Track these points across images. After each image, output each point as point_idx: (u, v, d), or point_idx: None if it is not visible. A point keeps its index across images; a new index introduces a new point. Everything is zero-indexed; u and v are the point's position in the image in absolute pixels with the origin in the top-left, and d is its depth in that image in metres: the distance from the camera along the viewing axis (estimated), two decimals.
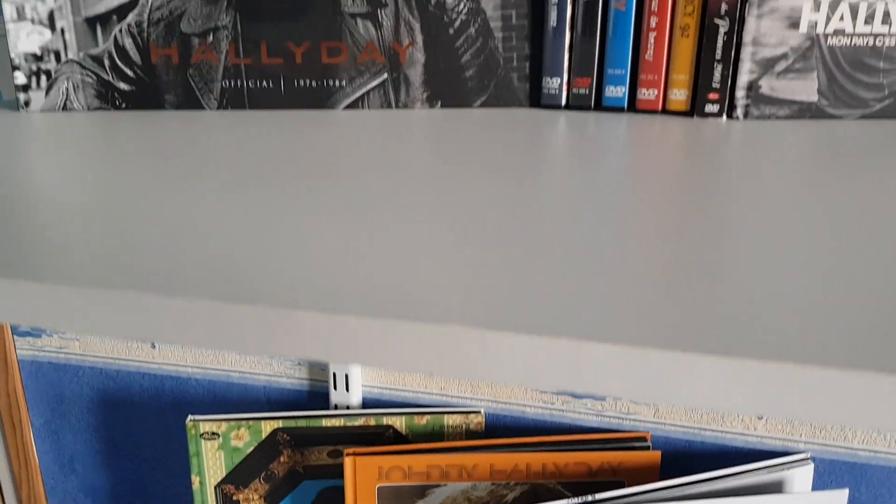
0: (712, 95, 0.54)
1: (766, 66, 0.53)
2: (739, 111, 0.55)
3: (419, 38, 0.57)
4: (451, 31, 0.57)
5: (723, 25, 0.53)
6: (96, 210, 0.34)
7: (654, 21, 0.54)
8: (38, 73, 0.56)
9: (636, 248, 0.29)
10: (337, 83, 0.58)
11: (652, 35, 0.55)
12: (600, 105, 0.57)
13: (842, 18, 0.52)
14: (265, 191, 0.37)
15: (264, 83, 0.57)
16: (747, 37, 0.53)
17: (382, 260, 0.27)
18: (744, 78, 0.54)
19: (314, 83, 0.58)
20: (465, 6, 0.56)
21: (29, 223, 0.32)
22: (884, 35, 0.52)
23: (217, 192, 0.37)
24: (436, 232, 0.30)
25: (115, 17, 0.55)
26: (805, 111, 0.54)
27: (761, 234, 0.30)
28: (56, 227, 0.31)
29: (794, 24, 0.52)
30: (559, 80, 0.57)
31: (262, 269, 0.26)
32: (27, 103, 0.56)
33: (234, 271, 0.26)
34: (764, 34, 0.53)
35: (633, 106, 0.57)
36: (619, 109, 0.57)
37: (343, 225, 0.31)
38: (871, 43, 0.53)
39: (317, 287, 0.25)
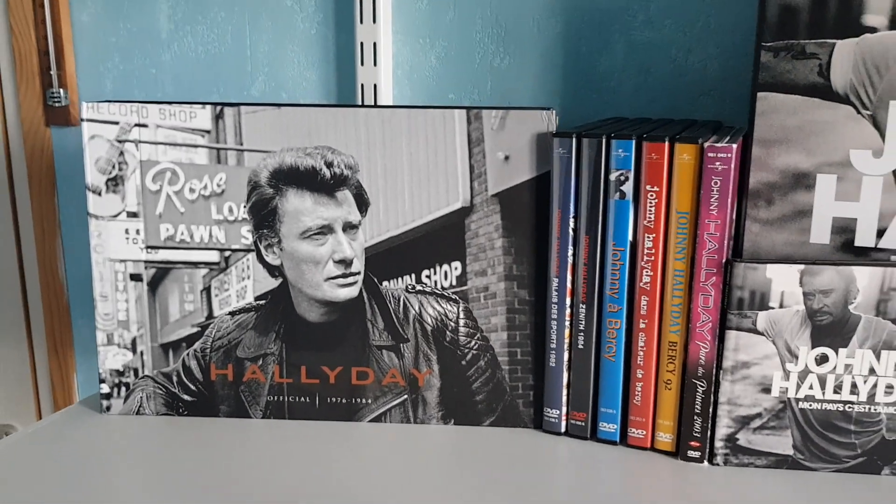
0: (694, 443, 0.60)
1: (742, 422, 0.59)
2: (720, 459, 0.59)
3: (435, 367, 0.65)
4: (464, 362, 0.65)
5: (700, 385, 0.59)
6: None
7: (640, 373, 0.61)
8: (119, 385, 0.67)
9: None
10: (364, 401, 0.66)
11: (639, 384, 0.61)
12: (596, 436, 0.63)
13: (811, 387, 0.57)
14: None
15: (302, 399, 0.67)
16: (723, 397, 0.58)
17: None
18: (722, 431, 0.59)
19: (344, 400, 0.66)
20: (475, 343, 0.65)
21: None
22: (853, 402, 0.57)
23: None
24: None
25: (184, 344, 0.67)
26: (782, 462, 0.59)
27: None
28: None
29: (766, 390, 0.58)
30: (558, 412, 0.64)
31: None
32: (108, 408, 0.68)
33: None
34: (738, 396, 0.58)
35: (625, 440, 0.63)
36: (613, 443, 0.63)
37: None
38: (840, 408, 0.57)
39: None
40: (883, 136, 0.57)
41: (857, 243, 0.59)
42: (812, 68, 0.57)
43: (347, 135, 0.62)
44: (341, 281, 0.64)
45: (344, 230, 0.63)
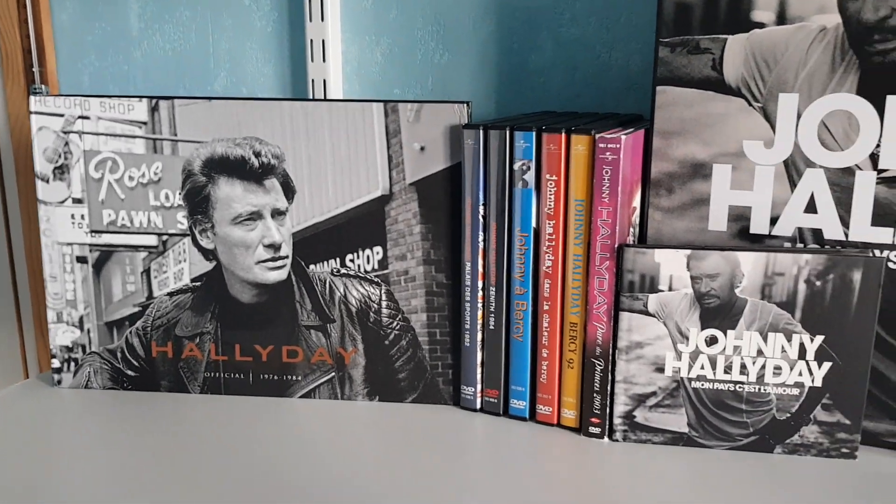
0: (594, 420, 0.63)
1: (639, 400, 0.61)
2: (619, 435, 0.62)
3: (360, 346, 0.69)
4: (387, 342, 0.69)
5: (598, 364, 0.62)
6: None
7: (545, 352, 0.64)
8: (68, 361, 0.72)
9: None
10: (294, 378, 0.70)
11: (544, 363, 0.64)
12: (507, 413, 0.67)
13: (702, 367, 0.60)
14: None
15: (237, 375, 0.71)
16: (619, 376, 0.61)
17: None
18: (619, 408, 0.62)
19: (276, 377, 0.70)
20: (397, 324, 0.68)
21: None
22: (743, 382, 0.60)
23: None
24: None
25: (127, 323, 0.71)
26: (678, 439, 0.61)
27: None
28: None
29: (660, 369, 0.61)
30: (474, 389, 0.67)
31: None
32: (59, 382, 0.72)
33: None
34: (633, 375, 0.61)
35: (534, 416, 0.66)
36: (523, 419, 0.66)
37: None
38: (731, 388, 0.60)
39: None
40: (773, 127, 0.59)
41: (753, 230, 0.61)
42: (706, 63, 0.60)
43: (274, 126, 0.66)
44: (271, 264, 0.68)
45: (272, 216, 0.67)
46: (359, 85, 0.86)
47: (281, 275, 0.68)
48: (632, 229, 0.64)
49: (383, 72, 0.85)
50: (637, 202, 0.64)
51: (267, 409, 0.69)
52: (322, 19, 0.84)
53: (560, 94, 0.78)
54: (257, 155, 0.66)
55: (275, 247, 0.68)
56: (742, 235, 0.62)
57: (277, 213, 0.67)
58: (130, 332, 0.71)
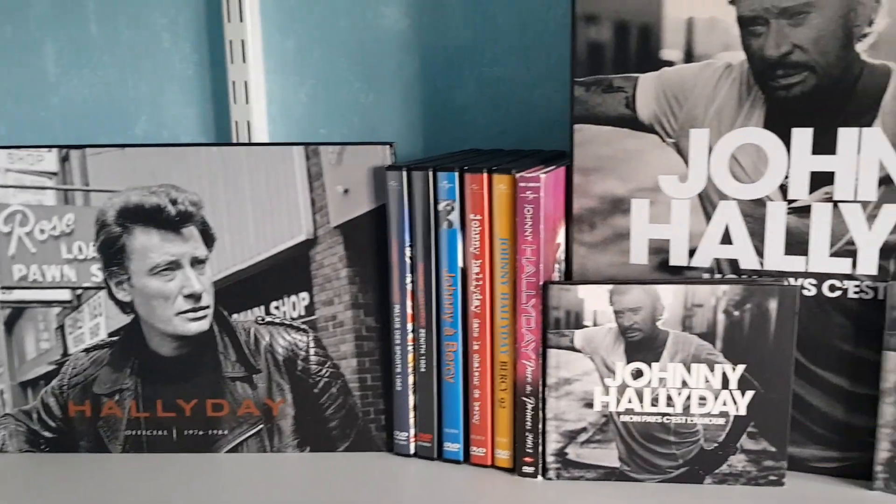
0: (527, 459, 0.62)
1: (570, 436, 0.61)
2: (552, 473, 0.62)
3: (289, 396, 0.67)
4: (316, 390, 0.67)
5: (529, 402, 0.61)
6: None
7: (476, 393, 0.63)
8: None
9: None
10: (220, 432, 0.68)
11: (476, 404, 0.64)
12: (441, 456, 0.66)
13: (630, 401, 0.60)
14: None
15: (159, 432, 0.68)
16: (550, 413, 0.61)
17: None
18: (551, 446, 0.62)
19: (201, 432, 0.68)
20: (326, 371, 0.67)
21: None
22: (670, 414, 0.60)
23: None
24: None
25: (42, 382, 0.68)
26: (610, 474, 0.61)
27: None
28: None
29: (589, 404, 0.61)
30: (407, 434, 0.66)
31: None
32: None
33: None
34: (563, 411, 0.61)
35: (469, 459, 0.65)
36: (457, 462, 0.65)
37: None
38: (659, 420, 0.60)
39: None
40: (686, 161, 0.61)
41: (672, 262, 0.62)
42: (620, 101, 0.61)
43: (190, 173, 0.64)
44: (191, 315, 0.66)
45: (192, 265, 0.66)
46: (284, 126, 0.85)
47: (202, 325, 0.67)
48: (557, 266, 0.64)
49: (308, 112, 0.84)
50: (561, 238, 0.65)
51: (193, 466, 0.66)
52: (244, 60, 0.83)
53: (485, 131, 0.78)
54: (174, 202, 0.65)
55: (195, 297, 0.66)
56: (662, 268, 0.63)
57: (197, 262, 0.66)
58: (46, 392, 0.68)
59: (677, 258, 0.62)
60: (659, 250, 0.63)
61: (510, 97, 0.77)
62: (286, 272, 0.66)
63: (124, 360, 0.67)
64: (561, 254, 0.65)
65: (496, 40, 0.76)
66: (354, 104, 0.82)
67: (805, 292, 0.60)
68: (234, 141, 0.86)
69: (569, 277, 0.66)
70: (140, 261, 0.65)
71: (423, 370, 0.65)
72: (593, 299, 0.59)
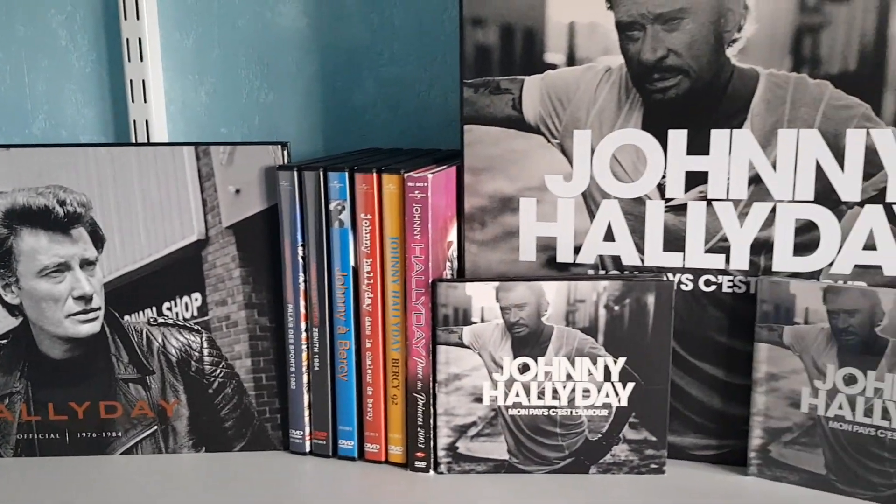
0: (419, 454, 0.63)
1: (460, 431, 0.63)
2: (443, 467, 0.63)
3: (183, 397, 0.67)
4: (211, 390, 0.67)
5: (420, 398, 0.63)
6: None
7: (370, 390, 0.64)
8: None
9: None
10: (114, 434, 0.67)
11: (370, 401, 0.64)
12: (336, 454, 0.66)
13: (517, 395, 0.62)
14: None
15: (52, 435, 0.67)
16: (440, 408, 0.62)
17: None
18: (442, 440, 0.63)
19: (94, 435, 0.67)
20: (221, 371, 0.67)
21: None
22: (556, 407, 0.62)
23: None
24: None
25: None
26: (500, 467, 0.63)
27: None
28: None
29: (478, 399, 0.62)
30: (302, 433, 0.67)
31: None
32: None
33: None
34: (454, 406, 0.62)
35: (363, 455, 0.66)
36: (352, 458, 0.66)
37: None
38: (545, 413, 0.62)
39: None
40: (571, 161, 0.62)
41: (559, 259, 0.64)
42: (507, 102, 0.63)
43: (79, 174, 0.63)
44: (82, 317, 0.65)
45: (81, 267, 0.65)
46: (184, 125, 0.85)
47: (94, 327, 0.66)
48: (449, 263, 0.65)
49: (208, 111, 0.84)
50: (454, 236, 0.66)
51: (86, 469, 0.65)
52: (141, 59, 0.82)
53: (384, 131, 0.79)
54: (62, 204, 0.64)
55: (85, 298, 0.65)
56: (550, 265, 0.65)
57: (87, 264, 0.65)
58: None
59: (564, 255, 0.64)
60: (546, 247, 0.64)
61: (408, 97, 0.78)
62: (178, 273, 0.65)
63: (14, 363, 0.66)
64: (453, 252, 0.66)
65: (393, 40, 0.77)
66: (255, 103, 0.82)
67: (682, 287, 0.62)
68: (133, 140, 0.84)
69: (461, 275, 0.67)
70: (28, 263, 0.64)
71: (316, 369, 0.65)
72: (480, 296, 0.60)
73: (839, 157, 0.57)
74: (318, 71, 0.80)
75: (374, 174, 0.61)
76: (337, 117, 0.81)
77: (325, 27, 0.79)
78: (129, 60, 0.83)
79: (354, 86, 0.79)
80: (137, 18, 0.81)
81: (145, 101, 0.83)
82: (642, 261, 0.63)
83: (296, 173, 0.62)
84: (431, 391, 0.62)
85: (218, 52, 0.82)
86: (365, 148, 0.80)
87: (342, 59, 0.79)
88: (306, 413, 0.66)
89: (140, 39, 0.82)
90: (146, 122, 0.84)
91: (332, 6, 0.78)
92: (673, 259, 0.62)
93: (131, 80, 0.83)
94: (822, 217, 0.58)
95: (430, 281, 0.61)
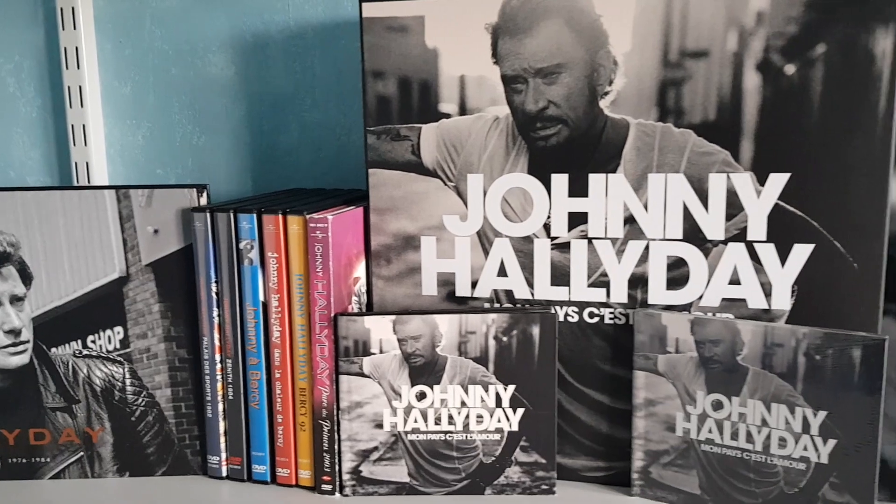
0: (326, 478, 0.67)
1: (363, 455, 0.67)
2: (348, 490, 0.67)
3: (107, 424, 0.71)
4: (133, 418, 0.71)
5: (325, 425, 0.67)
6: None
7: (280, 418, 0.68)
8: None
9: None
10: (43, 459, 0.71)
11: (280, 428, 0.68)
12: (251, 478, 0.70)
13: (416, 420, 0.66)
14: None
15: None
16: (344, 434, 0.66)
17: None
18: (347, 465, 0.67)
19: (24, 460, 0.71)
20: (142, 400, 0.71)
21: None
22: (452, 432, 0.66)
23: None
24: None
25: None
26: (401, 489, 0.67)
27: None
28: None
29: (379, 425, 0.66)
30: (219, 458, 0.70)
31: None
32: None
33: None
34: (356, 432, 0.66)
35: (275, 479, 0.70)
36: (265, 482, 0.70)
37: None
38: (442, 438, 0.66)
39: None
40: (466, 203, 0.67)
41: (458, 294, 0.69)
42: (407, 148, 0.68)
43: (7, 215, 0.68)
44: (12, 349, 0.69)
45: (11, 302, 0.69)
46: (123, 166, 0.89)
47: (23, 359, 0.70)
48: (357, 298, 0.70)
49: (145, 154, 0.89)
50: (361, 272, 0.71)
51: (16, 493, 0.69)
52: (82, 105, 0.87)
53: (309, 172, 0.84)
54: None
55: (15, 332, 0.69)
56: (450, 298, 0.69)
57: (16, 300, 0.69)
58: None
59: (462, 289, 0.69)
60: (446, 283, 0.69)
61: (329, 140, 0.83)
62: (101, 307, 0.70)
63: None
64: (361, 287, 0.71)
65: (314, 88, 0.82)
66: (188, 146, 0.87)
67: (569, 319, 0.67)
68: (76, 181, 0.89)
69: (370, 308, 0.71)
70: None
71: (231, 398, 0.69)
72: (378, 329, 0.65)
73: (703, 199, 0.62)
74: (245, 116, 0.85)
75: (280, 216, 0.65)
76: (264, 159, 0.86)
77: (252, 76, 0.84)
78: (71, 106, 0.88)
79: (280, 130, 0.85)
80: (78, 68, 0.87)
81: (86, 144, 0.88)
82: (532, 294, 0.67)
83: (209, 215, 0.67)
84: (336, 418, 0.67)
85: (153, 98, 0.87)
86: (291, 188, 0.85)
87: (268, 105, 0.84)
88: (222, 440, 0.70)
89: (81, 87, 0.87)
90: (87, 163, 0.88)
91: (258, 56, 0.84)
92: (559, 293, 0.67)
93: (73, 125, 0.88)
94: (691, 254, 0.63)
95: (332, 315, 0.65)
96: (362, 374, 0.66)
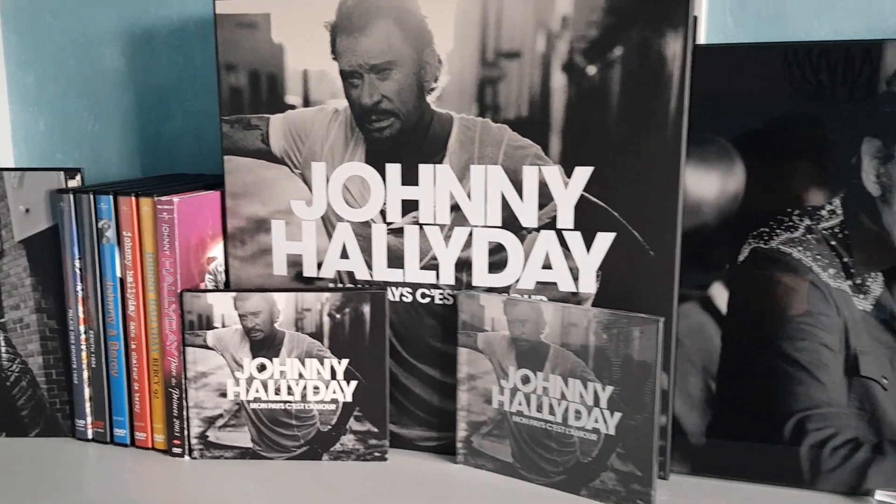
0: (176, 441, 0.73)
1: (209, 422, 0.72)
2: (196, 453, 0.73)
3: None
4: (8, 383, 0.76)
5: (175, 393, 0.72)
6: None
7: (136, 385, 0.74)
8: None
9: None
10: None
11: (137, 395, 0.74)
12: (113, 441, 0.76)
13: (258, 390, 0.71)
14: None
15: None
16: (191, 402, 0.72)
17: None
18: (194, 430, 0.72)
19: None
20: (17, 367, 0.76)
21: None
22: (291, 402, 0.71)
23: None
24: None
25: None
26: (245, 454, 0.72)
27: None
28: None
29: (223, 394, 0.71)
30: (85, 422, 0.76)
31: None
32: None
33: None
34: (202, 400, 0.72)
35: (134, 442, 0.75)
36: (125, 445, 0.75)
37: None
38: (282, 407, 0.71)
39: None
40: (311, 189, 0.72)
41: (305, 274, 0.74)
42: (257, 137, 0.73)
43: None
44: None
45: None
46: (27, 151, 0.95)
47: None
48: (210, 276, 0.75)
49: (47, 140, 0.94)
50: (218, 252, 0.76)
51: None
52: None
53: (192, 158, 0.89)
54: None
55: None
56: (298, 278, 0.74)
57: None
58: None
59: (309, 270, 0.74)
60: (295, 263, 0.74)
61: (210, 128, 0.88)
62: None
63: None
64: (218, 266, 0.76)
65: (196, 79, 0.87)
66: (84, 133, 0.93)
67: (404, 299, 0.72)
68: None
69: (228, 286, 0.76)
70: None
71: (94, 366, 0.75)
72: (221, 305, 0.70)
73: (519, 189, 0.67)
74: (135, 105, 0.90)
75: (133, 198, 0.71)
76: (152, 146, 0.91)
77: (140, 67, 0.89)
78: None
79: (166, 118, 0.90)
80: None
81: None
82: (371, 276, 0.72)
83: (72, 196, 0.72)
84: (184, 387, 0.72)
85: (53, 87, 0.93)
86: (174, 173, 0.90)
87: (155, 95, 0.90)
88: (88, 405, 0.76)
89: None
90: None
91: (145, 49, 0.89)
92: (395, 275, 0.72)
93: None
94: (509, 240, 0.68)
95: (178, 291, 0.70)
96: (206, 347, 0.71)
